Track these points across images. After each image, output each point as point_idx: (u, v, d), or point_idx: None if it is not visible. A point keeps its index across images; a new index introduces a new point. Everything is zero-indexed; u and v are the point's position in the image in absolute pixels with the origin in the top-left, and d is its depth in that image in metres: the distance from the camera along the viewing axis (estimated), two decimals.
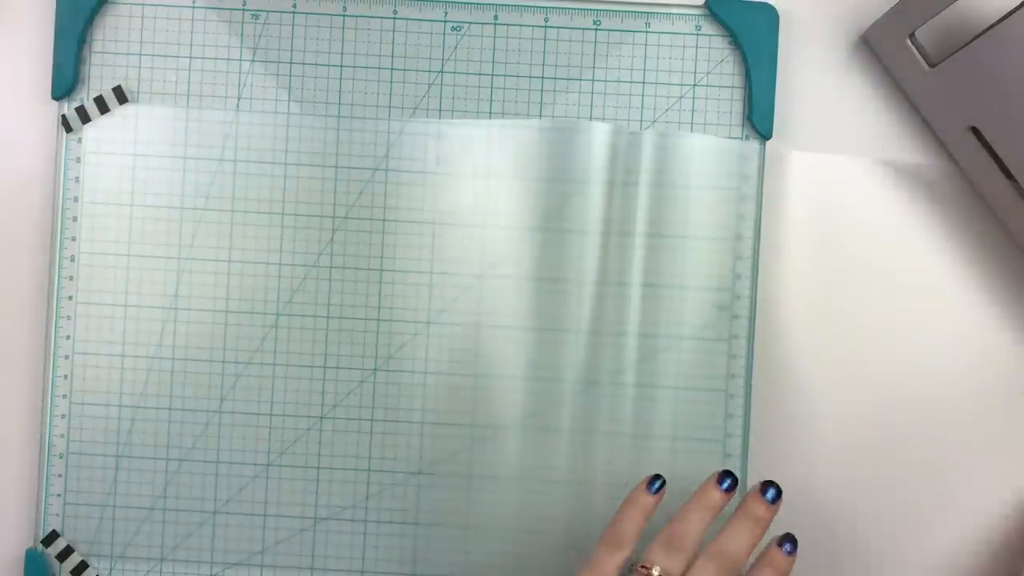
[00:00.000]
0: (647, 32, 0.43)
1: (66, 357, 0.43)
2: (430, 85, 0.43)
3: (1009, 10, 0.37)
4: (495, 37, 0.43)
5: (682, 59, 0.43)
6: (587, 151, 0.42)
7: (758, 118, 0.42)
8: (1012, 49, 0.36)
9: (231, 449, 0.43)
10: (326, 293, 0.43)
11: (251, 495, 0.43)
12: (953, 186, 0.43)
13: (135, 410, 0.43)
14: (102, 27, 0.43)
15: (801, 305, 0.43)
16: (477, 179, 0.42)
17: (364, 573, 0.43)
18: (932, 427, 0.43)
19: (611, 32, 0.43)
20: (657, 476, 0.38)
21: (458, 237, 0.43)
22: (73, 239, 0.43)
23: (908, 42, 0.40)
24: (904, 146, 0.43)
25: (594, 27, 0.43)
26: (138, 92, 0.43)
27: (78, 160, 0.43)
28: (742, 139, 0.43)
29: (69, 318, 0.43)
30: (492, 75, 0.43)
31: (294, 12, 0.43)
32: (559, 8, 0.43)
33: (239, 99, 0.43)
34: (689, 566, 0.36)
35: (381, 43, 0.43)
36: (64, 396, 0.43)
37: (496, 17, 0.43)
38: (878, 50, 0.42)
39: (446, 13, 0.43)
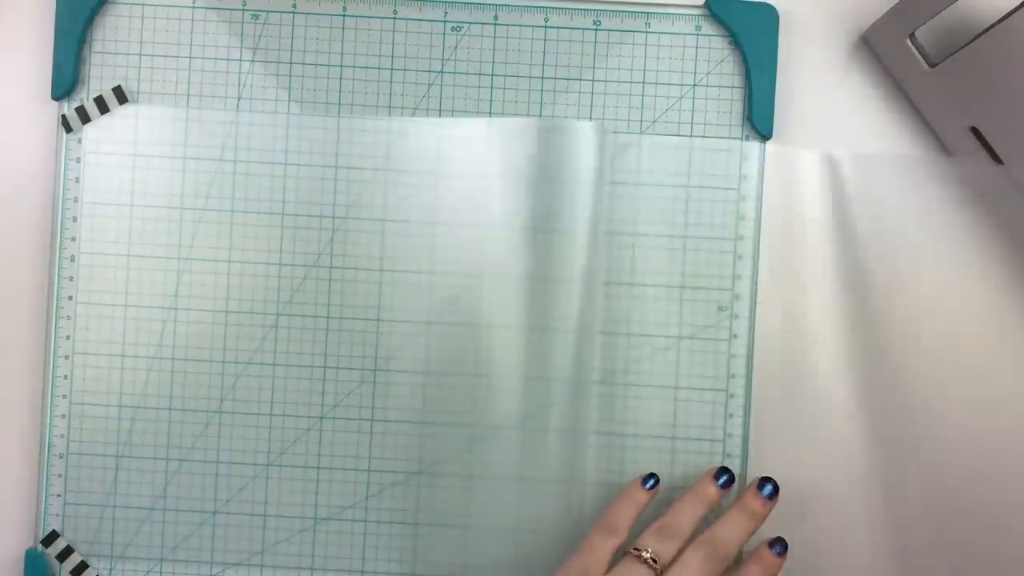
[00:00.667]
0: (647, 32, 0.43)
1: (66, 357, 0.43)
2: (430, 85, 0.43)
3: (1009, 10, 0.37)
4: (495, 37, 0.43)
5: (682, 59, 0.43)
6: (587, 151, 0.42)
7: (758, 118, 0.42)
8: (1012, 49, 0.36)
9: (231, 449, 0.43)
10: (326, 293, 0.43)
11: (251, 495, 0.43)
12: (953, 186, 0.43)
13: (135, 410, 0.43)
14: (102, 27, 0.43)
15: (801, 305, 0.43)
16: (477, 179, 0.42)
17: (364, 573, 0.43)
18: (934, 426, 0.43)
19: (611, 32, 0.43)
20: (652, 475, 0.40)
21: (458, 237, 0.43)
22: (73, 239, 0.43)
23: (908, 42, 0.40)
24: (904, 146, 0.43)
25: (594, 27, 0.43)
26: (138, 92, 0.43)
27: (78, 160, 0.43)
28: (742, 139, 0.43)
29: (69, 318, 0.43)
30: (492, 75, 0.43)
31: (294, 12, 0.43)
32: (559, 8, 0.43)
33: (239, 99, 0.43)
34: (680, 553, 0.37)
35: (381, 43, 0.43)
36: (64, 396, 0.43)
37: (496, 17, 0.43)
38: (878, 50, 0.42)
39: (446, 13, 0.43)
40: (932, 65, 0.40)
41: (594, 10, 0.43)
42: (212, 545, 0.43)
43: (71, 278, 0.43)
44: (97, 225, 0.43)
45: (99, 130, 0.43)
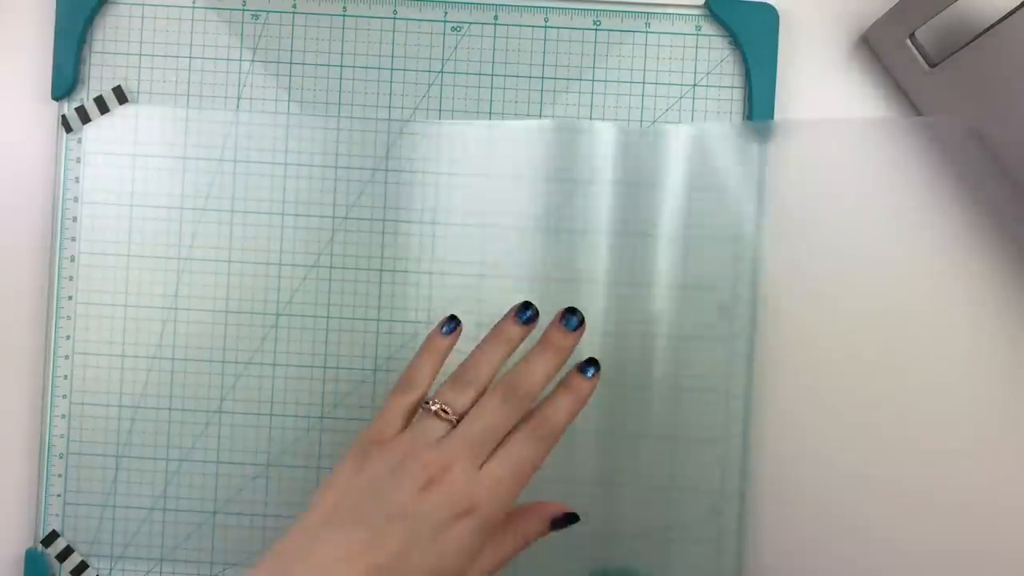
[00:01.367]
0: (647, 32, 0.43)
1: (66, 357, 0.43)
2: (430, 85, 0.43)
3: (1009, 10, 0.37)
4: (495, 37, 0.43)
5: (682, 59, 0.43)
6: (587, 151, 0.42)
7: (758, 118, 0.42)
8: (1012, 49, 0.36)
9: (231, 449, 0.43)
10: (326, 293, 0.43)
11: (251, 495, 0.43)
12: (953, 186, 0.43)
13: (135, 410, 0.43)
14: (102, 27, 0.43)
15: (801, 305, 0.43)
16: (477, 179, 0.42)
17: None
18: (933, 426, 0.43)
19: (611, 32, 0.43)
20: (452, 317, 0.37)
21: (458, 237, 0.43)
22: (73, 239, 0.43)
23: (908, 42, 0.40)
24: (904, 146, 0.43)
25: (594, 27, 0.43)
26: (138, 92, 0.43)
27: (78, 160, 0.43)
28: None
29: (69, 318, 0.43)
30: (492, 75, 0.43)
31: (294, 12, 0.43)
32: (559, 8, 0.43)
33: (239, 99, 0.43)
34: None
35: (381, 43, 0.43)
36: (64, 396, 0.43)
37: (496, 17, 0.43)
38: (878, 50, 0.42)
39: (446, 13, 0.43)
40: (932, 65, 0.40)
41: (594, 10, 0.43)
42: (212, 545, 0.43)
43: (71, 278, 0.43)
44: (97, 225, 0.43)
45: (99, 130, 0.43)
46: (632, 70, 0.43)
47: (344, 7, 0.43)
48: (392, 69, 0.43)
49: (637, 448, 0.42)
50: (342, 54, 0.43)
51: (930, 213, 0.43)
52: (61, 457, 0.43)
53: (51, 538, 0.43)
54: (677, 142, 0.42)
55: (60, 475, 0.43)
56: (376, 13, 0.43)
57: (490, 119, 0.43)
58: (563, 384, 0.35)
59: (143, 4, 0.43)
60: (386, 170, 0.43)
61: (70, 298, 0.43)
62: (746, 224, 0.42)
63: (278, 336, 0.43)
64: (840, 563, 0.43)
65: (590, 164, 0.42)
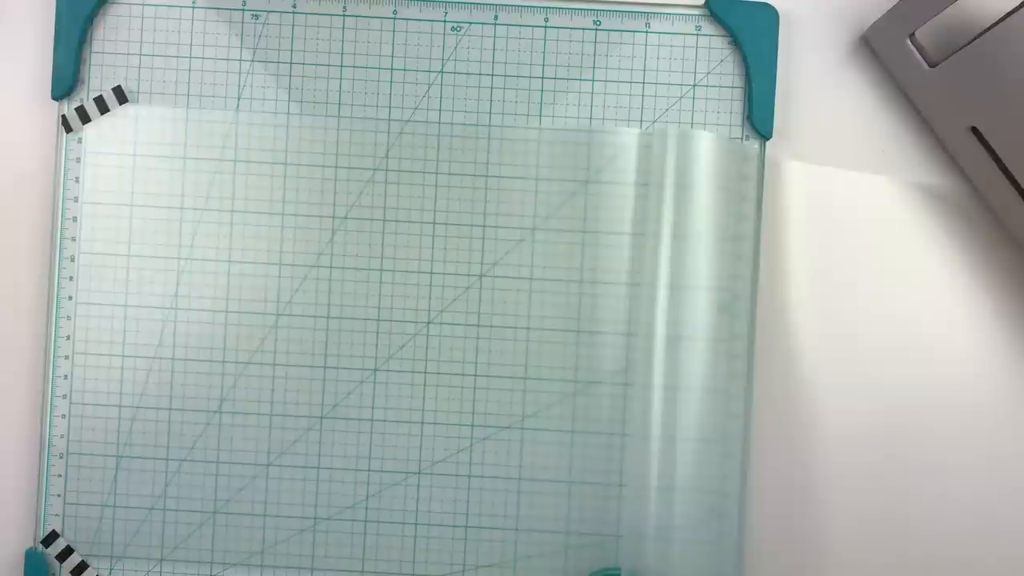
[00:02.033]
0: (647, 32, 0.43)
1: (66, 357, 0.43)
2: (430, 85, 0.43)
3: (1009, 10, 0.37)
4: (495, 37, 0.43)
5: (682, 59, 0.43)
6: (586, 152, 0.42)
7: (758, 118, 0.42)
8: (1012, 49, 0.36)
9: (231, 449, 0.43)
10: (326, 293, 0.43)
11: (251, 495, 0.43)
12: (953, 186, 0.43)
13: (135, 410, 0.43)
14: (102, 27, 0.43)
15: (801, 305, 0.43)
16: (476, 178, 0.43)
17: (364, 573, 0.43)
18: (933, 427, 0.43)
19: (611, 32, 0.43)
20: None
21: (458, 237, 0.43)
22: (73, 239, 0.43)
23: (908, 42, 0.40)
24: (904, 146, 0.43)
25: (594, 27, 0.43)
26: (138, 92, 0.43)
27: (78, 160, 0.43)
28: (742, 139, 0.43)
29: (69, 318, 0.43)
30: (492, 75, 0.43)
31: (294, 12, 0.43)
32: (559, 8, 0.43)
33: (239, 99, 0.43)
34: None
35: (381, 43, 0.43)
36: (64, 396, 0.43)
37: (496, 17, 0.43)
38: (878, 50, 0.42)
39: (446, 13, 0.43)
40: (932, 65, 0.40)
41: (594, 10, 0.43)
42: (212, 545, 0.43)
43: (71, 278, 0.43)
44: (97, 225, 0.43)
45: (99, 130, 0.43)
46: (632, 70, 0.43)
47: (344, 7, 0.43)
48: (392, 69, 0.43)
49: (636, 448, 0.42)
50: (342, 54, 0.43)
51: (930, 213, 0.43)
52: (61, 457, 0.43)
53: (51, 538, 0.43)
54: (677, 142, 0.42)
55: (60, 475, 0.43)
56: (376, 13, 0.43)
57: (490, 119, 0.43)
58: None
59: (143, 4, 0.43)
60: (386, 170, 0.43)
61: (70, 298, 0.43)
62: (746, 224, 0.42)
63: (278, 336, 0.43)
64: (840, 563, 0.43)
65: (590, 165, 0.42)
